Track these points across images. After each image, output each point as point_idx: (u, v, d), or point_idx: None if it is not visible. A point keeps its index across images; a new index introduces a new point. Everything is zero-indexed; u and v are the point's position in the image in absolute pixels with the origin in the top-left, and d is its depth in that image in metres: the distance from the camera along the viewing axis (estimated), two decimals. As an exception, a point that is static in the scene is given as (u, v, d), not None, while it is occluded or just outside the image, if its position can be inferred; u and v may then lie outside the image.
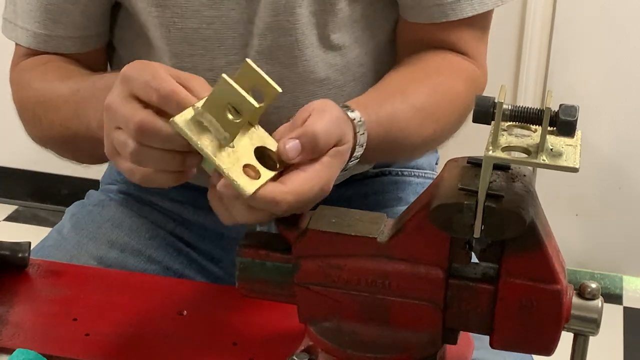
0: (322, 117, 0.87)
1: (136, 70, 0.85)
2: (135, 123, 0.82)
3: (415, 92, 1.07)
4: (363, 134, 0.95)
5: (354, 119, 0.94)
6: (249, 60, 0.83)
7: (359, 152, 0.95)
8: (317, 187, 0.85)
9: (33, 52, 1.14)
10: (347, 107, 0.95)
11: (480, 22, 1.15)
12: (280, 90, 0.83)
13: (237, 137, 0.82)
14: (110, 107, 0.85)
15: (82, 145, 1.04)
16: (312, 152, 0.85)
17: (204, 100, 0.81)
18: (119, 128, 0.84)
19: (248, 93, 0.80)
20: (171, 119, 0.80)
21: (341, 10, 1.10)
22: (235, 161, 0.81)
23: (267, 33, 1.08)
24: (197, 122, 0.80)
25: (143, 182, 0.86)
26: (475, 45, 1.16)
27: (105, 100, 0.86)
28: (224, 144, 0.80)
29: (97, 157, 1.09)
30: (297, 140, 0.84)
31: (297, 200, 0.82)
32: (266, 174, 0.82)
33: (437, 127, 1.09)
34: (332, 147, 0.87)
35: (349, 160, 0.94)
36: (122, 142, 0.84)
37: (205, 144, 0.80)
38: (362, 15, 1.12)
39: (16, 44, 1.16)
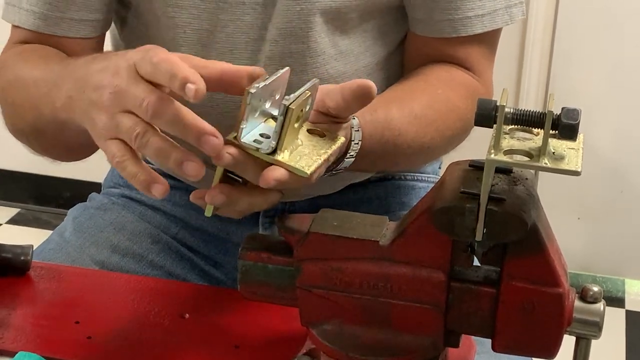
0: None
1: (141, 51, 0.84)
2: (151, 100, 0.81)
3: (414, 100, 1.08)
4: (358, 130, 0.96)
5: None
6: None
7: (354, 149, 0.96)
8: None
9: (29, 41, 1.12)
10: None
11: (489, 41, 1.16)
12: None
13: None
14: (119, 90, 0.83)
15: (48, 130, 1.01)
16: None
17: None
18: (128, 112, 0.83)
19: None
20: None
21: (353, 20, 1.10)
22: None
23: (279, 39, 1.08)
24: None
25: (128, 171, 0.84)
26: (482, 62, 1.16)
27: (112, 83, 0.84)
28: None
29: (64, 148, 1.08)
30: None
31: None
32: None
33: (437, 136, 1.09)
34: None
35: (344, 157, 0.95)
36: (129, 126, 0.82)
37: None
38: (374, 25, 1.13)
39: (12, 31, 1.14)
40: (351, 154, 0.96)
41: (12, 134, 1.11)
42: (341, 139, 0.88)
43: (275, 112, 0.84)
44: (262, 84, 0.81)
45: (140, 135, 0.82)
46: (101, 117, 0.84)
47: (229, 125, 1.11)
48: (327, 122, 0.89)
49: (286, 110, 0.80)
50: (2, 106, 1.11)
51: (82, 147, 1.07)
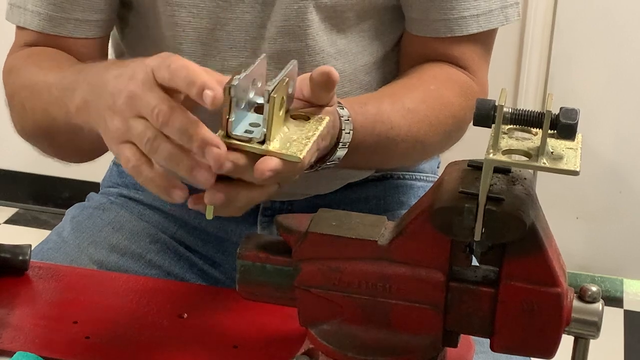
0: None
1: (158, 58, 0.85)
2: (162, 109, 0.81)
3: (406, 95, 1.09)
4: (348, 120, 0.97)
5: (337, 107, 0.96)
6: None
7: (346, 138, 0.96)
8: None
9: (34, 43, 1.13)
10: None
11: (484, 40, 1.16)
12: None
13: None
14: (134, 95, 0.83)
15: (60, 134, 1.03)
16: None
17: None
18: (140, 117, 0.83)
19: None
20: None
21: (350, 19, 1.11)
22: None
23: (277, 37, 1.09)
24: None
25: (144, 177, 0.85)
26: (477, 62, 1.16)
27: (128, 88, 0.84)
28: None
29: (76, 150, 1.09)
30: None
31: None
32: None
33: (430, 131, 1.09)
34: None
35: (336, 147, 0.96)
36: (140, 131, 0.83)
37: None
38: (371, 25, 1.13)
39: (17, 34, 1.15)
40: (343, 142, 0.96)
41: (22, 136, 1.12)
42: (326, 119, 0.88)
43: (260, 101, 0.84)
44: (242, 75, 0.81)
45: (151, 140, 0.82)
46: (114, 120, 0.85)
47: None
48: (309, 107, 0.89)
49: (268, 99, 0.81)
50: (11, 109, 1.11)
51: (94, 151, 1.09)
